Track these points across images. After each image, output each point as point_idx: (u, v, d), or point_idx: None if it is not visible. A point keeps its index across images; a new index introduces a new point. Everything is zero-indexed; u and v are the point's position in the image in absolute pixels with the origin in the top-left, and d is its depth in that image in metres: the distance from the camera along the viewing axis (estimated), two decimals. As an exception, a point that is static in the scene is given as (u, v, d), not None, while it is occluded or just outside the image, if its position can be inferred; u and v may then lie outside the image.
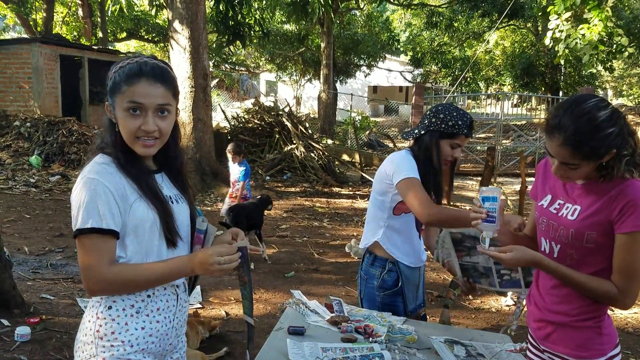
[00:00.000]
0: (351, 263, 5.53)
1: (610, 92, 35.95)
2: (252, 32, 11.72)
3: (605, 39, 6.86)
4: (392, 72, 27.74)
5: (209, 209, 8.04)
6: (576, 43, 6.72)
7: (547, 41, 7.36)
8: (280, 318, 2.00)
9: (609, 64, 8.13)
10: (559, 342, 1.64)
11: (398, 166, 2.17)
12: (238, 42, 11.05)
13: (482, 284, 2.12)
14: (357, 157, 14.15)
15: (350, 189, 10.72)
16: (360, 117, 17.99)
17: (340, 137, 17.24)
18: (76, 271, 4.83)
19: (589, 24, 6.69)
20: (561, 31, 6.79)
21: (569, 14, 6.95)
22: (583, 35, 6.73)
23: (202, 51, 8.98)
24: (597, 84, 25.34)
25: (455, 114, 2.18)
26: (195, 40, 8.79)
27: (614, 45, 7.35)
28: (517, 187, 9.73)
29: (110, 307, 1.45)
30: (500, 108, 17.64)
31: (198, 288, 4.45)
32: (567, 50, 7.08)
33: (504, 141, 17.29)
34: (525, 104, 25.65)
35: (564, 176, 1.57)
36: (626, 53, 7.92)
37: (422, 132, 2.21)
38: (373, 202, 2.32)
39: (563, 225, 1.60)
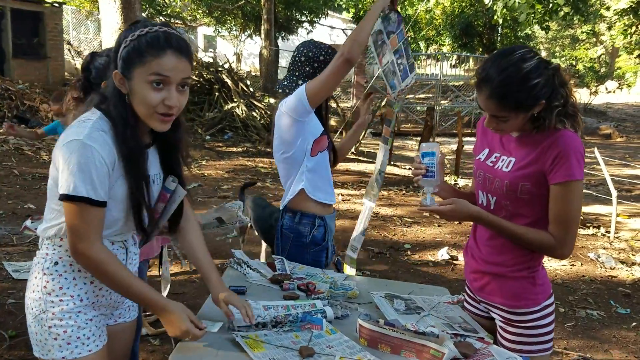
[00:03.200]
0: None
1: (543, 53, 37.27)
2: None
3: (541, -4, 7.04)
4: (334, 29, 27.42)
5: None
6: (514, 2, 6.84)
7: (486, 0, 7.45)
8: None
9: (545, 23, 8.31)
10: (494, 292, 1.68)
11: (290, 99, 2.11)
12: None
13: (397, 85, 2.39)
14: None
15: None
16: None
17: (282, 96, 16.96)
18: None
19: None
20: (499, -12, 6.91)
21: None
22: (520, -8, 6.87)
23: (134, 1, 8.47)
24: (532, 45, 26.10)
25: (317, 49, 2.18)
26: (127, -12, 8.26)
27: (550, 5, 7.53)
28: (455, 147, 9.98)
29: (56, 263, 1.45)
30: (439, 69, 17.88)
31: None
32: (505, 10, 7.21)
33: (442, 101, 17.63)
34: (463, 65, 26.14)
35: (497, 129, 1.59)
36: (562, 13, 8.13)
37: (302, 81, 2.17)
38: (284, 162, 2.21)
39: (498, 177, 1.62)
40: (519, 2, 6.63)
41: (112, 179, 1.38)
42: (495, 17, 7.71)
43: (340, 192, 7.20)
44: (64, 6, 13.68)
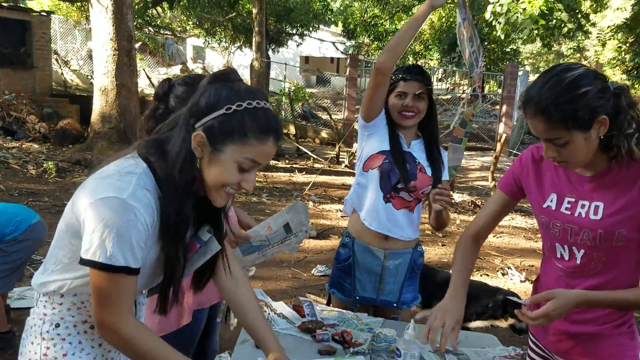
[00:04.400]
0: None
1: (528, 68, 37.62)
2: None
3: (546, 14, 6.92)
4: (324, 42, 27.41)
5: (137, 183, 7.49)
6: (517, 17, 6.73)
7: (487, 15, 7.33)
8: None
9: (547, 40, 8.26)
10: (587, 354, 1.44)
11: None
12: (165, 3, 10.29)
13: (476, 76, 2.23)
14: (291, 128, 13.83)
15: (287, 161, 10.44)
16: (294, 88, 17.58)
17: (273, 108, 16.76)
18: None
19: (530, -2, 6.74)
20: (502, 5, 6.77)
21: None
22: (524, 9, 6.75)
23: (126, 11, 8.23)
24: (517, 60, 26.28)
25: None
26: (119, -1, 8.03)
27: (554, 21, 7.44)
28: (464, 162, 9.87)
29: (57, 325, 1.23)
30: (448, 83, 17.87)
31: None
32: (507, 25, 7.09)
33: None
34: (449, 79, 26.20)
35: (558, 159, 1.35)
36: (565, 29, 8.06)
37: None
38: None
39: (585, 227, 1.38)
40: (521, 18, 6.53)
41: (148, 244, 1.16)
42: (494, 32, 7.59)
43: (339, 207, 6.99)
44: (51, 15, 13.39)
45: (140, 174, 1.15)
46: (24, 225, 2.91)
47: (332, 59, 31.94)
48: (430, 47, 25.87)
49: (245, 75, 25.04)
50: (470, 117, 2.51)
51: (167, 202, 1.15)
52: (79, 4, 19.30)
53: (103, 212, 1.09)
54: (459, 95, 19.97)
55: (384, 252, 2.08)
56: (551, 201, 1.46)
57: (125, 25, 8.22)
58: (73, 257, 1.19)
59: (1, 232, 2.85)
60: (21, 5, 14.02)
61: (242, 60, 26.02)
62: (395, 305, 2.11)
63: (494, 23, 7.28)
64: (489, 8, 7.24)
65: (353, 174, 8.29)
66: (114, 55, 8.13)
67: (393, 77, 2.07)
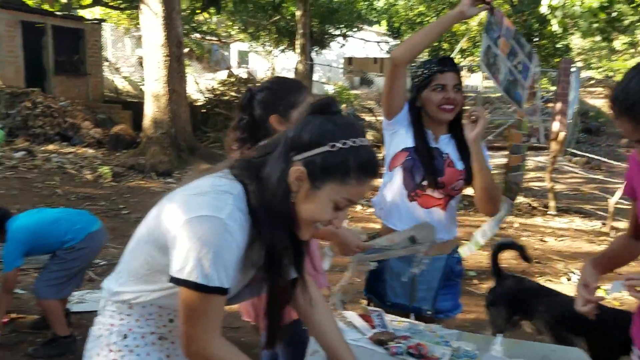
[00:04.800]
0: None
1: (579, 64, 36.28)
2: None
3: (605, 6, 6.59)
4: (367, 42, 27.24)
5: (188, 186, 7.58)
6: (574, 10, 6.44)
7: (542, 9, 7.02)
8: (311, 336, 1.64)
9: (607, 34, 7.89)
10: None
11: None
12: (212, 8, 10.42)
13: (522, 95, 2.15)
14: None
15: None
16: (339, 90, 17.55)
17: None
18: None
19: (589, -11, 6.41)
20: (560, -3, 6.47)
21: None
22: (582, 1, 6.43)
23: (175, 16, 8.39)
24: (569, 56, 25.40)
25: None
26: (168, 5, 8.18)
27: (614, 14, 7.07)
28: (498, 161, 9.55)
29: (125, 336, 1.20)
30: (480, 80, 17.44)
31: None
32: (564, 19, 6.78)
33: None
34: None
35: None
36: (627, 21, 7.66)
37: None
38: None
39: None
40: (580, 10, 6.23)
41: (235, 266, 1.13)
42: (549, 27, 7.19)
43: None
44: (102, 23, 13.79)
45: (236, 196, 1.12)
46: (82, 233, 2.92)
47: (375, 59, 31.73)
48: (478, 44, 25.32)
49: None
50: (519, 139, 2.36)
51: (266, 231, 1.12)
52: (129, 11, 19.87)
53: (200, 231, 1.06)
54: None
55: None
56: None
57: (175, 31, 8.36)
58: (151, 269, 1.16)
59: (59, 239, 2.87)
60: (74, 14, 14.51)
61: (285, 63, 26.22)
62: (429, 312, 1.98)
63: (549, 17, 6.98)
64: (544, 1, 6.95)
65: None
66: (165, 61, 8.28)
67: (425, 71, 1.96)
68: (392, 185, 2.03)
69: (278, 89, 1.78)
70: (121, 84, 17.24)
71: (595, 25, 7.16)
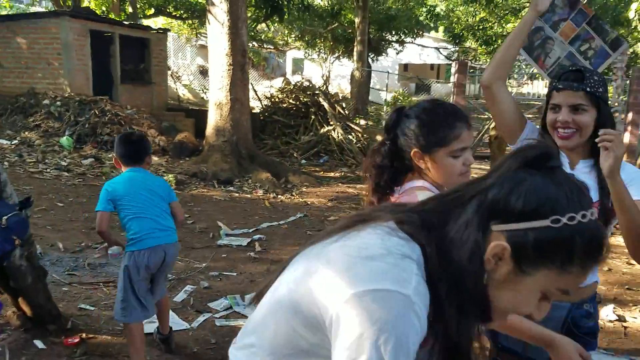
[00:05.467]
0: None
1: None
2: (290, 5, 11.05)
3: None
4: (425, 48, 26.79)
5: (249, 196, 7.54)
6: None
7: (631, 14, 6.55)
8: None
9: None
10: None
11: None
12: (276, 16, 10.42)
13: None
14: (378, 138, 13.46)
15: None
16: (400, 97, 17.25)
17: (373, 118, 16.57)
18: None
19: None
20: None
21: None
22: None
23: (241, 25, 8.40)
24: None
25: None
26: (234, 14, 8.20)
27: None
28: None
29: None
30: (544, 86, 16.73)
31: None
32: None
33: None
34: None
35: None
36: None
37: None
38: None
39: None
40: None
41: None
42: (636, 33, 6.66)
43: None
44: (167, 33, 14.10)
45: (418, 263, 0.86)
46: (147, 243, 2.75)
47: (432, 65, 31.22)
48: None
49: (342, 86, 25.14)
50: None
51: (450, 318, 0.86)
52: (189, 21, 20.32)
53: (378, 311, 0.79)
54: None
55: None
56: None
57: (240, 40, 8.38)
58: (296, 349, 0.93)
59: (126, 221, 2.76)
60: (140, 23, 14.92)
61: (340, 70, 26.13)
62: None
63: (634, 24, 6.49)
64: (633, 6, 6.46)
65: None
66: (229, 70, 8.31)
67: (550, 86, 1.76)
68: None
69: (429, 121, 1.51)
70: (182, 92, 17.61)
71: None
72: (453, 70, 16.38)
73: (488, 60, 25.86)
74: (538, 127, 1.86)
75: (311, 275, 0.90)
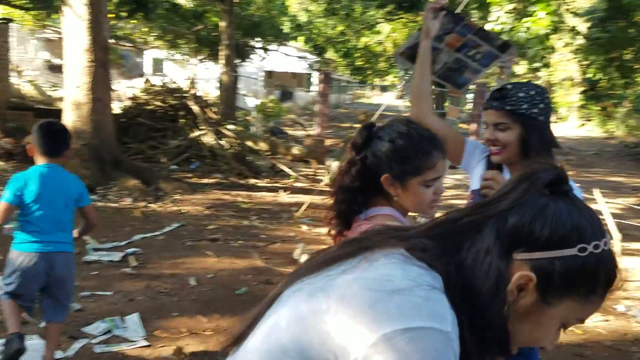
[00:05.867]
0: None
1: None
2: (156, 3, 10.41)
3: (551, 33, 6.82)
4: (288, 57, 27.21)
5: (116, 205, 6.91)
6: (519, 37, 6.63)
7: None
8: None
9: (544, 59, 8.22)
10: None
11: None
12: (141, 13, 9.74)
13: (469, 78, 2.25)
14: (262, 145, 13.38)
15: (267, 180, 10.00)
16: (271, 104, 17.18)
17: (242, 124, 16.32)
18: None
19: (534, 16, 6.63)
20: (504, 23, 6.64)
21: (512, 5, 6.85)
22: (528, 28, 6.64)
23: (102, 20, 7.69)
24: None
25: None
26: (95, 7, 7.48)
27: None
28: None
29: None
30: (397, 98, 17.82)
31: (136, 317, 3.54)
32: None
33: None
34: (408, 97, 26.51)
35: None
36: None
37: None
38: None
39: None
40: (526, 36, 6.38)
41: None
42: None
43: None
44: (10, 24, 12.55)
45: (444, 293, 0.77)
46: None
47: (294, 74, 31.83)
48: (393, 64, 26.07)
49: (207, 89, 24.55)
50: (456, 115, 2.41)
51: (473, 352, 0.78)
52: (32, 12, 18.31)
53: (416, 353, 0.69)
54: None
55: None
56: None
57: (102, 35, 7.68)
58: None
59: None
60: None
61: (204, 74, 25.48)
62: None
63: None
64: (487, 26, 7.10)
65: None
66: (89, 67, 7.55)
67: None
68: None
69: (404, 148, 1.40)
70: (26, 89, 15.78)
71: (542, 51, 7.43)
72: (315, 79, 16.78)
73: (348, 71, 26.96)
74: (480, 141, 1.91)
75: (321, 315, 0.77)
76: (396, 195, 1.41)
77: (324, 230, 6.42)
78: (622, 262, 6.09)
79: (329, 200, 1.52)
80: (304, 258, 5.02)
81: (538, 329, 0.81)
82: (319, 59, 25.21)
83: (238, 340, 0.89)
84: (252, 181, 9.66)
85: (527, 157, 1.72)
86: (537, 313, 0.80)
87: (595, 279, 0.79)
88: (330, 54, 24.32)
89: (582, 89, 22.82)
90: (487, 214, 0.82)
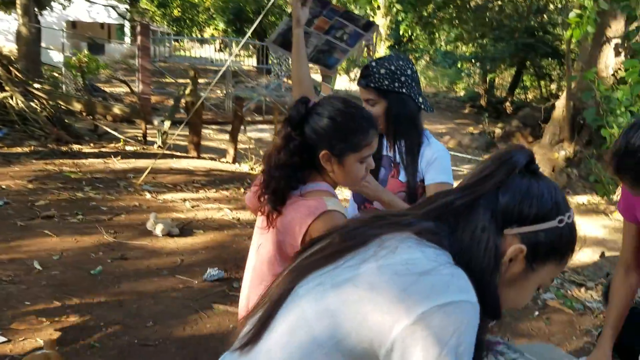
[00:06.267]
0: (162, 244, 4.73)
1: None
2: None
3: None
4: (94, 4, 24.77)
5: None
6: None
7: None
8: None
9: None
10: None
11: None
12: None
13: (339, 58, 2.40)
14: (76, 105, 12.21)
15: (92, 145, 9.24)
16: (87, 58, 15.50)
17: (50, 82, 14.59)
18: None
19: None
20: None
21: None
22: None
23: None
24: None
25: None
26: None
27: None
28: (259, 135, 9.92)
29: None
30: (229, 53, 17.50)
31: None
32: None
33: (230, 89, 17.28)
34: (227, 49, 26.17)
35: None
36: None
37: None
38: None
39: None
40: None
41: None
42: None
43: (183, 196, 6.47)
44: None
45: (461, 268, 0.88)
46: None
47: (102, 24, 29.06)
48: (214, 16, 25.25)
49: (2, 43, 21.28)
50: (327, 91, 2.67)
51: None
52: None
53: (453, 324, 0.79)
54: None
55: None
56: None
57: None
58: None
59: None
60: None
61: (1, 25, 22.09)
62: None
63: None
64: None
65: (176, 156, 7.76)
66: None
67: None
68: (350, 199, 1.96)
69: (344, 125, 1.45)
70: None
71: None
72: (127, 31, 15.53)
73: (165, 23, 25.51)
74: None
75: (354, 305, 0.84)
76: (332, 171, 1.47)
77: (169, 196, 6.23)
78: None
79: (261, 177, 1.53)
80: (159, 229, 4.85)
81: (522, 292, 0.97)
82: (131, 8, 23.40)
83: (253, 339, 0.91)
84: (76, 147, 8.83)
85: (394, 127, 1.94)
86: (522, 279, 0.95)
87: (569, 244, 0.96)
88: (144, 4, 22.67)
89: (389, 44, 24.75)
90: (475, 195, 0.94)
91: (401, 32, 10.71)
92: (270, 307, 0.93)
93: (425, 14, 13.18)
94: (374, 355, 0.82)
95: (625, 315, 1.67)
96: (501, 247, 0.92)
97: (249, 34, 7.91)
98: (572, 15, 3.89)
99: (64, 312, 3.25)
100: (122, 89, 16.72)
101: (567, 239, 0.96)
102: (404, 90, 1.89)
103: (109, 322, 3.22)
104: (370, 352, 0.82)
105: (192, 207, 6.09)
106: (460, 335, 0.80)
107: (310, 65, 2.27)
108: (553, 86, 22.87)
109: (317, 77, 3.23)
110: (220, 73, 7.50)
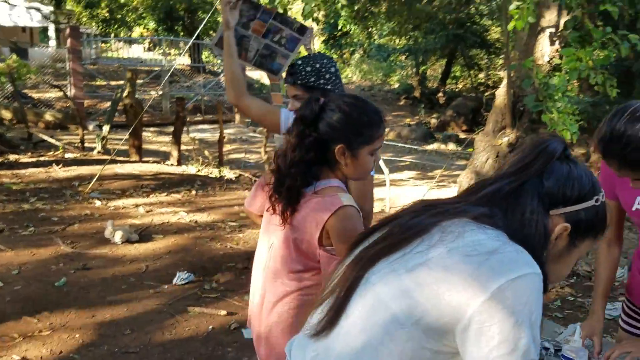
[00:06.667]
0: (123, 252, 4.64)
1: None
2: None
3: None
4: (15, 7, 23.45)
5: None
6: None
7: None
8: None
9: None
10: None
11: None
12: None
13: (282, 63, 2.34)
14: (5, 113, 11.61)
15: (30, 154, 8.84)
16: (17, 64, 14.62)
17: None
18: None
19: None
20: None
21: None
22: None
23: None
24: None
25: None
26: None
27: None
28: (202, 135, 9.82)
29: None
30: (160, 53, 17.08)
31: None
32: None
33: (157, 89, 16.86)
34: (157, 48, 25.54)
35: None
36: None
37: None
38: None
39: None
40: None
41: None
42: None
43: (134, 202, 6.34)
44: None
45: (520, 246, 0.97)
46: None
47: (24, 28, 27.59)
48: (144, 15, 24.52)
49: None
50: (280, 100, 2.70)
51: None
52: None
53: (525, 295, 0.89)
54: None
55: None
56: (637, 203, 1.65)
57: None
58: None
59: None
60: None
61: None
62: None
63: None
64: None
65: (119, 161, 7.53)
66: None
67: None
68: None
69: (357, 118, 1.50)
70: None
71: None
72: (52, 33, 14.79)
73: (93, 24, 24.54)
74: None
75: (430, 286, 0.93)
76: (345, 165, 1.52)
77: (120, 203, 6.07)
78: (390, 192, 7.24)
79: (269, 178, 1.58)
80: (118, 236, 4.75)
81: (565, 266, 1.08)
82: (56, 10, 22.34)
83: (330, 325, 1.00)
84: (12, 157, 8.43)
85: None
86: (565, 254, 1.06)
87: (603, 220, 1.06)
88: (70, 5, 21.70)
89: (323, 38, 24.96)
90: (520, 181, 1.03)
91: (339, 26, 10.84)
92: (343, 295, 1.01)
93: (357, 7, 13.38)
94: (451, 330, 0.91)
95: (611, 285, 1.85)
96: (548, 226, 1.02)
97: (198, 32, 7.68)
98: (512, 7, 4.11)
99: (36, 327, 3.17)
100: (51, 94, 15.98)
101: (602, 216, 1.06)
102: (329, 87, 1.98)
103: (85, 333, 3.16)
104: (447, 328, 0.91)
105: (147, 212, 5.98)
106: (532, 304, 0.90)
107: (255, 69, 2.33)
108: (481, 75, 23.85)
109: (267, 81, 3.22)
110: (155, 73, 7.35)
